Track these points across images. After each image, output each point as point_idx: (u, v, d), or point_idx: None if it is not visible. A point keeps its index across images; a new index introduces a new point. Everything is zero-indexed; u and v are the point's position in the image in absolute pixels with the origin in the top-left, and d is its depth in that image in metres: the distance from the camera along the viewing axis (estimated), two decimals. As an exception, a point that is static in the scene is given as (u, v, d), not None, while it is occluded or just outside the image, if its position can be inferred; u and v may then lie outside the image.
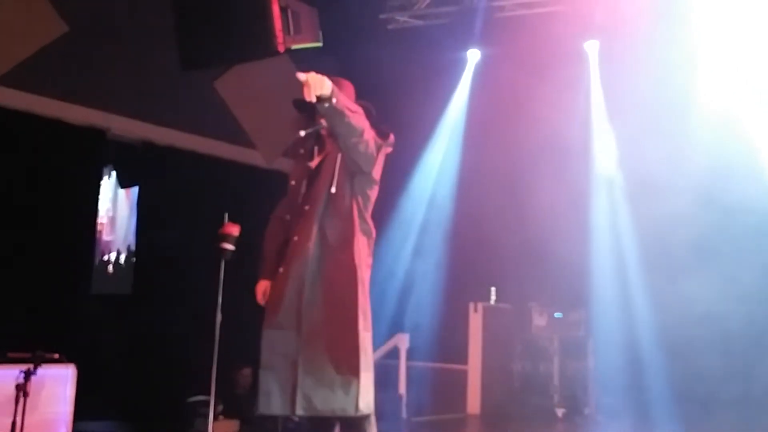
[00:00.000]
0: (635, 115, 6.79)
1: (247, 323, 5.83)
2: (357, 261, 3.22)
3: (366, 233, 3.31)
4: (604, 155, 7.37)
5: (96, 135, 6.57)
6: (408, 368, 7.22)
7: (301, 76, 2.91)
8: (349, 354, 3.13)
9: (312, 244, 3.20)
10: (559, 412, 7.34)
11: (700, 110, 6.36)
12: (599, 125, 7.42)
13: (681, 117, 6.40)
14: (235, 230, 4.12)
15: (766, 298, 6.28)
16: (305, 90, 2.91)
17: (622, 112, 7.13)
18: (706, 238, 6.34)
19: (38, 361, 4.39)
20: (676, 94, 6.45)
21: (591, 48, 7.40)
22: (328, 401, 3.10)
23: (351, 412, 3.11)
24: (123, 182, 8.77)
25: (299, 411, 3.11)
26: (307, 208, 3.25)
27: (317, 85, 2.90)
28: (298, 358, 3.12)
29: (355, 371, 3.10)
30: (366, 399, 3.13)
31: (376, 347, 3.36)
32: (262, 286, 3.36)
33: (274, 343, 3.15)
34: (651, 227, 6.79)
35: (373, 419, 3.23)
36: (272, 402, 3.12)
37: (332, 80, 3.19)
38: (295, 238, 3.23)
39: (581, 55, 7.41)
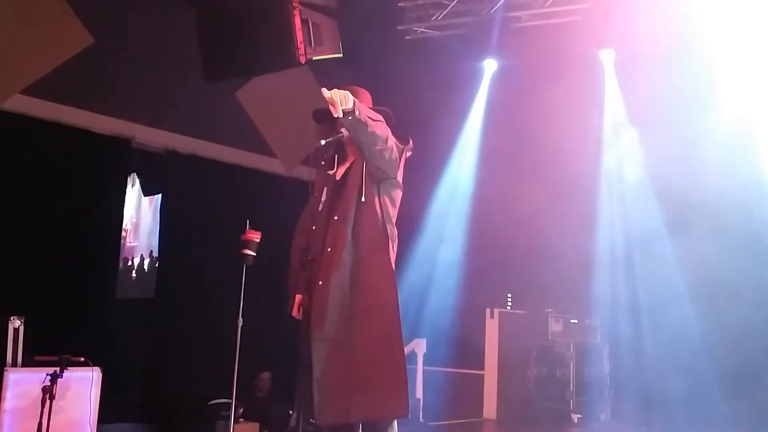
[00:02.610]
0: (652, 122, 6.83)
1: (267, 328, 6.00)
2: (393, 265, 3.31)
3: (393, 239, 3.37)
4: (623, 162, 7.40)
5: (121, 144, 6.73)
6: (425, 373, 7.29)
7: (326, 93, 2.99)
8: (397, 358, 3.22)
9: (347, 253, 3.25)
10: (575, 417, 7.36)
11: (717, 117, 6.38)
12: (621, 132, 7.45)
13: (698, 123, 6.42)
14: (256, 237, 4.23)
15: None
16: (331, 107, 2.99)
17: (639, 120, 7.17)
18: (723, 247, 6.33)
19: (64, 365, 4.49)
20: (693, 101, 6.48)
21: (606, 57, 7.45)
22: (381, 406, 3.18)
23: (403, 414, 3.19)
24: (147, 190, 8.93)
25: (355, 419, 3.18)
26: (336, 218, 3.30)
27: (342, 100, 2.98)
28: (349, 367, 3.17)
29: (403, 374, 3.21)
30: (408, 401, 3.23)
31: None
32: (298, 300, 3.39)
33: (325, 354, 3.18)
34: (671, 235, 6.81)
35: (394, 423, 3.30)
36: (328, 412, 3.16)
37: (350, 89, 3.29)
38: (329, 248, 3.28)
39: (597, 65, 7.46)
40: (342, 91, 3.02)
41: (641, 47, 6.50)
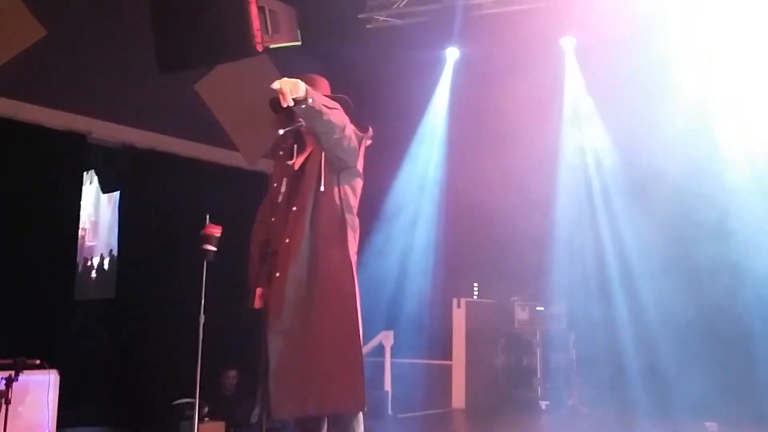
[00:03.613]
0: (612, 105, 6.91)
1: (232, 325, 5.90)
2: (352, 256, 3.25)
3: (353, 229, 3.31)
4: (584, 146, 7.48)
5: (76, 139, 6.54)
6: (393, 365, 7.27)
7: (275, 84, 2.93)
8: (354, 351, 3.16)
9: (304, 245, 3.19)
10: (543, 404, 7.42)
11: (675, 101, 6.48)
12: (582, 116, 7.52)
13: (657, 109, 6.51)
14: (216, 231, 4.14)
15: (750, 292, 6.37)
16: (280, 97, 2.93)
17: (599, 103, 7.25)
18: (683, 231, 6.45)
19: (19, 368, 4.34)
20: (653, 85, 6.57)
21: (567, 44, 7.50)
22: (338, 399, 3.12)
23: (360, 407, 3.14)
24: (105, 187, 8.73)
25: (311, 412, 3.12)
26: (295, 209, 3.24)
27: (291, 89, 2.92)
28: (306, 360, 3.12)
29: (359, 367, 3.15)
30: (365, 395, 3.18)
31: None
32: (259, 292, 3.32)
33: (281, 347, 3.12)
34: (632, 220, 6.91)
35: (360, 416, 3.25)
36: (284, 406, 3.10)
37: (306, 78, 3.20)
38: (287, 240, 3.21)
39: (558, 51, 7.51)
40: (291, 80, 2.95)
41: (602, 33, 6.56)
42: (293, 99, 2.93)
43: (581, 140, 7.49)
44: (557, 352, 7.65)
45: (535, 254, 7.16)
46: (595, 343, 7.25)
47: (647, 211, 6.71)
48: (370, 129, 3.40)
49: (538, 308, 7.77)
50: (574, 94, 7.54)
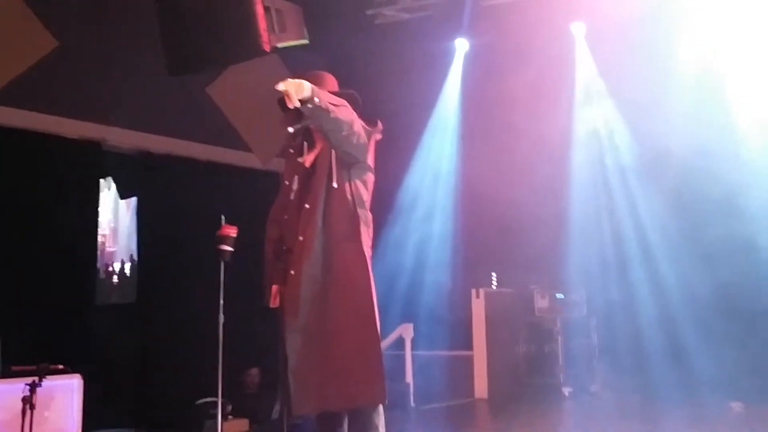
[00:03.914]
0: (626, 90, 6.87)
1: (252, 324, 5.95)
2: (366, 251, 3.26)
3: (366, 224, 3.33)
4: (599, 134, 7.44)
5: (91, 147, 6.61)
6: (414, 357, 7.28)
7: (279, 86, 2.95)
8: (372, 345, 3.19)
9: (317, 242, 3.22)
10: (566, 391, 7.40)
11: (687, 80, 6.44)
12: (597, 102, 7.48)
13: (669, 89, 6.47)
14: (232, 232, 4.17)
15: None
16: (286, 99, 2.95)
17: (613, 89, 7.20)
18: (698, 209, 6.41)
19: (43, 373, 4.39)
20: (664, 66, 6.52)
21: (577, 29, 7.45)
22: (358, 393, 3.15)
23: (381, 401, 3.17)
24: (123, 193, 8.81)
25: (332, 407, 3.16)
26: (307, 206, 3.25)
27: (296, 90, 2.93)
28: (324, 356, 3.15)
29: (378, 361, 3.17)
30: (385, 388, 3.20)
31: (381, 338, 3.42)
32: (274, 291, 3.35)
33: (299, 344, 3.15)
34: (647, 201, 6.88)
35: (380, 409, 3.27)
36: (304, 402, 3.14)
37: (312, 75, 3.22)
38: (301, 237, 3.23)
39: (568, 38, 7.46)
40: (296, 81, 2.97)
41: (611, 17, 6.52)
42: (300, 99, 2.95)
43: (594, 125, 7.45)
44: (578, 338, 7.63)
45: (552, 241, 7.14)
46: (615, 328, 7.23)
47: (662, 191, 6.68)
48: (379, 123, 3.42)
49: (557, 295, 7.74)
50: (586, 79, 7.49)
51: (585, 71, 7.49)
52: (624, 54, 6.65)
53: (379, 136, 3.43)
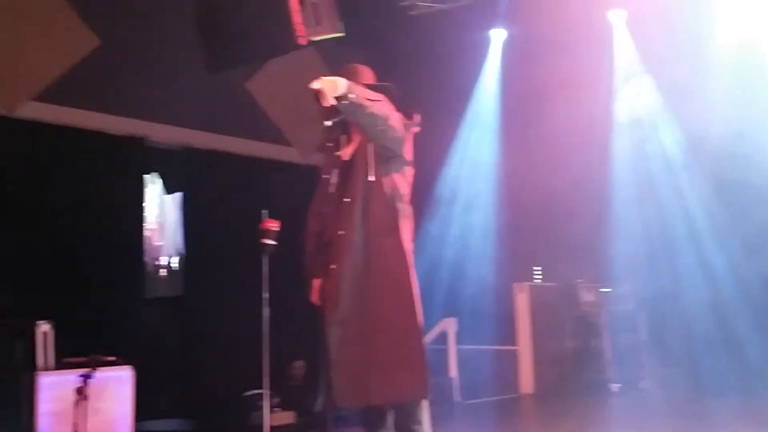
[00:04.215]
0: (668, 76, 6.68)
1: (297, 317, 5.97)
2: (405, 245, 3.24)
3: (407, 217, 3.32)
4: (641, 122, 7.26)
5: (135, 143, 6.72)
6: (457, 352, 7.23)
7: (314, 84, 2.95)
8: (413, 339, 3.18)
9: (357, 236, 3.22)
10: (614, 387, 7.25)
11: (726, 64, 6.24)
12: (638, 89, 7.29)
13: (714, 74, 6.27)
14: (274, 225, 4.19)
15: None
16: (321, 98, 2.94)
17: (654, 75, 7.02)
18: (744, 198, 6.20)
19: (95, 365, 4.50)
20: (708, 50, 6.33)
21: (616, 16, 7.27)
22: (400, 388, 3.15)
23: (423, 396, 3.16)
24: (168, 188, 8.96)
25: (374, 401, 3.16)
26: (347, 200, 3.26)
27: (330, 89, 2.93)
28: (367, 350, 3.15)
29: (420, 355, 3.16)
30: (428, 383, 3.19)
31: (424, 333, 3.39)
32: (316, 284, 3.37)
33: (340, 337, 3.16)
34: (692, 189, 6.69)
35: (425, 403, 3.26)
36: (346, 395, 3.16)
37: (349, 69, 3.21)
38: (341, 231, 3.24)
39: (607, 25, 7.30)
40: (330, 78, 2.97)
41: (650, 2, 6.34)
42: (335, 97, 2.94)
43: (634, 111, 7.26)
44: (626, 332, 7.46)
45: (595, 233, 7.00)
46: (664, 321, 7.05)
47: (705, 177, 6.47)
48: (417, 116, 3.38)
49: (603, 289, 7.59)
50: (625, 65, 7.31)
51: (625, 58, 7.31)
52: (664, 39, 6.47)
53: (416, 129, 3.40)
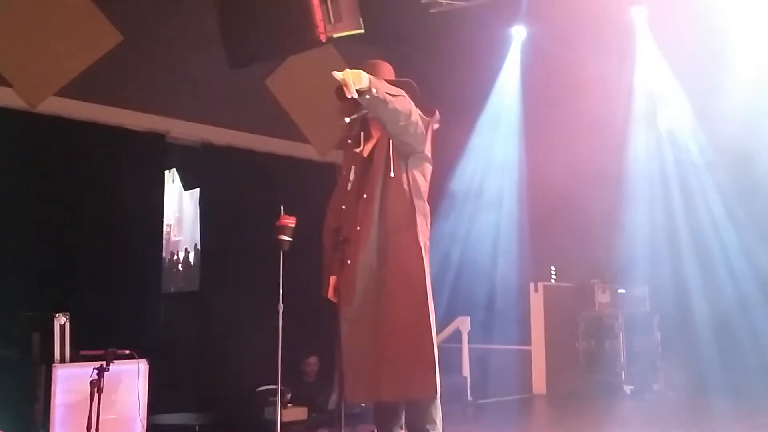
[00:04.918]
0: (690, 77, 6.62)
1: (311, 313, 6.00)
2: (421, 242, 3.24)
3: (424, 214, 3.31)
4: (670, 124, 7.19)
5: (156, 139, 6.78)
6: (471, 351, 7.23)
7: (337, 74, 2.94)
8: (425, 337, 3.17)
9: (374, 232, 3.22)
10: (628, 389, 7.21)
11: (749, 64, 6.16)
12: (660, 90, 7.23)
13: (736, 74, 6.20)
14: (291, 222, 4.20)
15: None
16: (344, 89, 2.94)
17: (677, 75, 6.96)
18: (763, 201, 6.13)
19: (110, 358, 4.50)
20: (733, 49, 6.26)
21: (639, 14, 7.21)
22: (410, 385, 3.15)
23: (432, 395, 3.15)
24: (186, 184, 9.04)
25: (385, 398, 3.17)
26: (365, 196, 3.27)
27: (354, 80, 2.92)
28: (378, 346, 3.16)
29: (431, 354, 3.15)
30: (439, 381, 3.18)
31: (437, 331, 3.39)
32: (332, 281, 3.37)
33: (353, 334, 3.18)
34: (711, 192, 6.63)
35: (437, 401, 3.26)
36: (358, 392, 3.17)
37: (369, 65, 3.21)
38: (358, 227, 3.25)
39: (629, 23, 7.24)
40: (354, 70, 2.96)
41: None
42: (357, 90, 2.94)
43: (656, 113, 7.20)
44: (641, 335, 7.42)
45: (613, 235, 6.95)
46: (680, 325, 6.99)
47: (726, 181, 6.40)
48: (437, 113, 3.38)
49: (619, 290, 7.55)
50: (647, 66, 7.24)
51: (647, 58, 7.24)
52: (688, 39, 6.39)
53: (436, 126, 3.40)
